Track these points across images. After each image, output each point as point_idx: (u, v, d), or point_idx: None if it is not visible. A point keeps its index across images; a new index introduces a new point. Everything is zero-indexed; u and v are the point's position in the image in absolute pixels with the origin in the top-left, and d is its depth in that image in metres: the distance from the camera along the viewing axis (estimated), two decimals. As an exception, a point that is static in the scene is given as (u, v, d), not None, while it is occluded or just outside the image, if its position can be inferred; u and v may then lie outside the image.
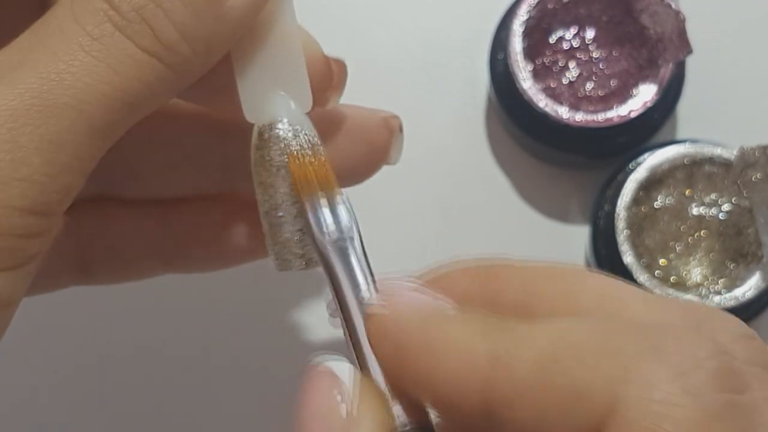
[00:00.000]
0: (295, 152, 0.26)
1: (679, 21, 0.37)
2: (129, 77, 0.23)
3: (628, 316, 0.21)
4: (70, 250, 0.30)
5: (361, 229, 0.25)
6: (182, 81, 0.24)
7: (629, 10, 0.39)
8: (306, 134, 0.26)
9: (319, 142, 0.26)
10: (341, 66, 0.29)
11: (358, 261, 0.25)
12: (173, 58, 0.24)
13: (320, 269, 0.25)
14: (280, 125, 0.26)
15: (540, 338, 0.20)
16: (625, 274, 0.37)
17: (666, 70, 0.38)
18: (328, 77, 0.28)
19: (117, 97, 0.23)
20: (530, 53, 0.39)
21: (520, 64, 0.39)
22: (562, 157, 0.40)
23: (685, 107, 0.41)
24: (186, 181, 0.30)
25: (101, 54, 0.23)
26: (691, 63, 0.40)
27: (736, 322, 0.21)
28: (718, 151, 0.37)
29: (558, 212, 0.42)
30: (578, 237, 0.41)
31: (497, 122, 0.42)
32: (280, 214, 0.26)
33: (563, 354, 0.20)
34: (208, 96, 0.28)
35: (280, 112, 0.26)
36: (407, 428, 0.23)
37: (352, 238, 0.25)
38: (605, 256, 0.38)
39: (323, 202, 0.25)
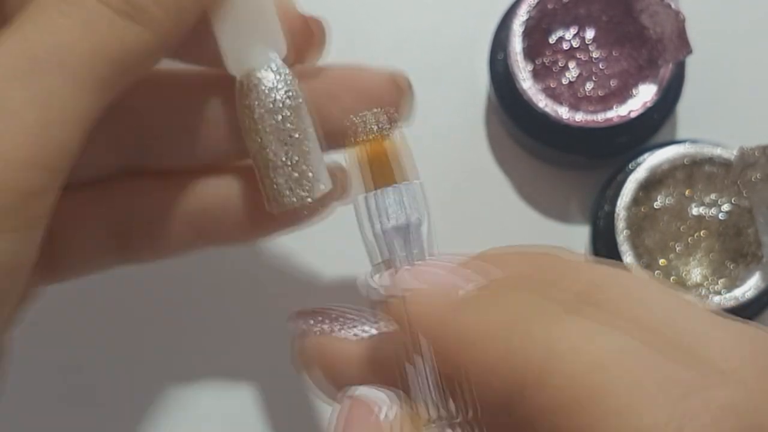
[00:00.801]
0: (360, 138, 0.26)
1: (678, 21, 0.37)
2: (106, 36, 0.25)
3: (691, 338, 0.21)
4: (109, 227, 0.31)
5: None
6: (162, 41, 0.26)
7: (629, 10, 0.39)
8: (285, 80, 0.28)
9: (298, 90, 0.28)
10: (318, 23, 0.30)
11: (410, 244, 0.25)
12: (145, 17, 0.25)
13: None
14: (257, 73, 0.28)
15: (583, 361, 0.20)
16: (625, 274, 0.37)
17: (666, 71, 0.38)
18: (306, 33, 0.29)
19: (97, 54, 0.24)
20: (530, 53, 0.39)
21: (520, 64, 0.39)
22: (562, 157, 0.40)
23: (684, 107, 0.41)
24: (205, 145, 0.31)
25: (77, 16, 0.25)
26: (691, 63, 0.40)
27: None
28: (717, 152, 0.38)
29: (558, 212, 0.42)
30: (578, 237, 0.41)
31: (497, 122, 0.42)
32: (266, 155, 0.28)
33: (594, 367, 0.20)
34: (203, 54, 0.29)
35: (257, 61, 0.28)
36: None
37: (410, 224, 0.26)
38: (605, 256, 0.38)
39: (386, 190, 0.26)
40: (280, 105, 0.28)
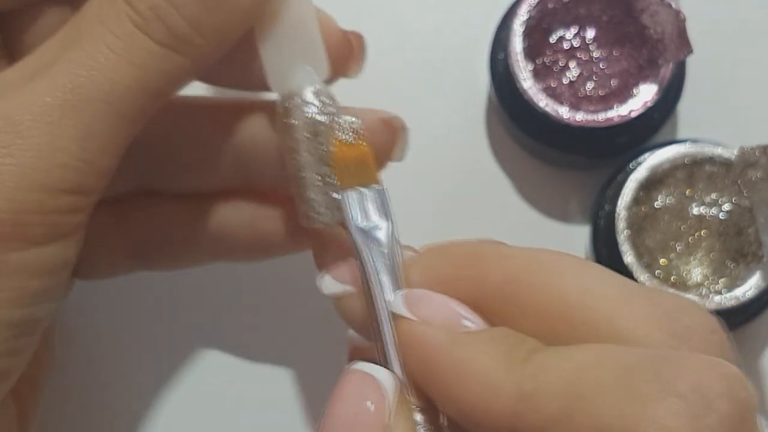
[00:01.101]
0: (341, 138, 0.28)
1: (679, 21, 0.37)
2: (149, 69, 0.26)
3: (604, 316, 0.23)
4: (125, 238, 0.32)
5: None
6: (199, 66, 0.27)
7: (629, 9, 0.39)
8: (325, 101, 0.28)
9: (337, 109, 0.28)
10: (359, 38, 0.31)
11: (383, 255, 0.27)
12: (187, 49, 0.26)
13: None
14: (300, 93, 0.29)
15: (563, 372, 0.22)
16: (626, 273, 0.37)
17: (666, 70, 0.38)
18: (346, 48, 0.30)
19: (140, 88, 0.26)
20: (530, 53, 0.39)
21: (521, 64, 0.39)
22: (562, 157, 0.40)
23: (685, 107, 0.41)
24: (208, 176, 0.32)
25: (124, 51, 0.25)
26: (692, 63, 0.40)
27: (705, 316, 0.23)
28: (718, 151, 0.37)
29: (558, 212, 0.42)
30: (578, 237, 0.41)
31: (497, 122, 0.42)
32: (303, 175, 0.29)
33: (585, 393, 0.21)
34: (233, 74, 0.30)
35: (300, 81, 0.29)
36: None
37: (378, 229, 0.27)
38: (605, 256, 0.38)
39: (358, 191, 0.28)
40: (321, 125, 0.28)
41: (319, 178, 0.28)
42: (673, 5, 0.37)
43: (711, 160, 0.38)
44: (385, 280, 0.26)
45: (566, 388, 0.21)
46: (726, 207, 0.38)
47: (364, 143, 0.28)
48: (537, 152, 0.41)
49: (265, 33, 0.28)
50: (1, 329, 0.25)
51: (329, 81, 0.30)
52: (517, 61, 0.39)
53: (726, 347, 0.23)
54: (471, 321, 0.25)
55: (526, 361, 0.22)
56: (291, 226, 0.32)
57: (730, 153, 0.37)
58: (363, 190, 0.28)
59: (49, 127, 0.24)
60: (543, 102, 0.38)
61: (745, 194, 0.37)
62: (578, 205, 0.41)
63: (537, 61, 0.39)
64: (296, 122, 0.28)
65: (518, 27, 0.39)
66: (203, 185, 0.33)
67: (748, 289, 0.37)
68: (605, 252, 0.38)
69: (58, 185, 0.25)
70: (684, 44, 0.37)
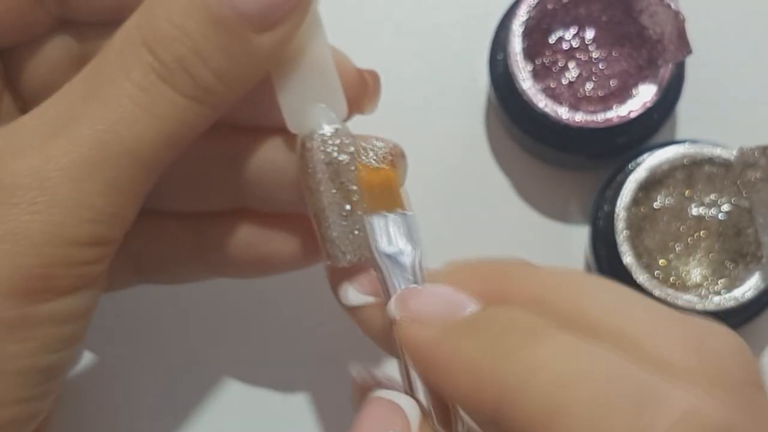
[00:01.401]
0: (366, 163, 0.29)
1: (678, 21, 0.37)
2: (173, 121, 0.26)
3: (632, 334, 0.22)
4: (127, 256, 0.32)
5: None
6: (218, 113, 0.27)
7: (629, 10, 0.39)
8: (344, 139, 0.28)
9: (357, 149, 0.29)
10: (374, 76, 0.31)
11: (407, 281, 0.27)
12: (211, 99, 0.26)
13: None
14: (318, 133, 0.29)
15: (549, 374, 0.21)
16: (625, 274, 0.37)
17: (666, 71, 0.38)
18: (362, 87, 0.30)
19: (164, 140, 0.26)
20: (530, 53, 0.39)
21: (520, 65, 0.39)
22: (561, 157, 0.40)
23: (684, 108, 0.41)
24: (210, 198, 0.32)
25: (148, 104, 0.25)
26: (691, 63, 0.40)
27: (731, 337, 0.23)
28: (717, 152, 0.37)
29: (558, 212, 0.42)
30: (578, 237, 0.41)
31: (497, 122, 0.42)
32: (326, 215, 0.29)
33: (573, 401, 0.21)
34: (248, 113, 0.30)
35: (318, 120, 0.29)
36: None
37: (403, 254, 0.27)
38: (605, 257, 0.38)
39: (383, 216, 0.28)
40: (341, 164, 0.29)
41: (342, 215, 0.29)
42: (673, 6, 0.37)
43: (710, 160, 0.38)
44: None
45: (551, 390, 0.21)
46: (725, 208, 0.38)
47: (389, 167, 0.29)
48: (536, 153, 0.41)
49: (282, 75, 0.28)
50: (30, 376, 0.25)
51: (345, 119, 0.30)
52: (517, 61, 0.39)
53: (752, 368, 0.23)
54: (471, 307, 0.25)
55: (511, 356, 0.22)
56: (292, 246, 0.33)
57: (730, 154, 0.37)
58: (388, 214, 0.28)
59: (75, 183, 0.24)
60: (542, 102, 0.38)
61: (744, 195, 0.37)
62: (577, 205, 0.41)
63: (536, 62, 0.39)
64: (316, 162, 0.28)
65: (518, 27, 0.39)
66: (205, 206, 0.33)
67: (747, 289, 0.37)
68: (604, 252, 0.38)
69: (84, 239, 0.25)
70: (683, 45, 0.37)
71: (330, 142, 0.28)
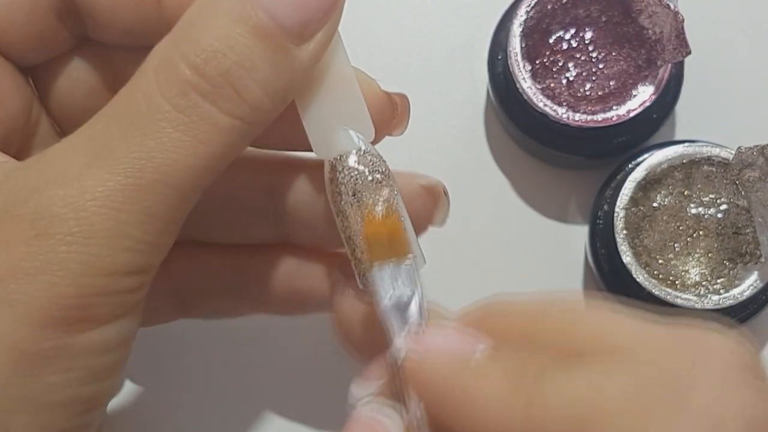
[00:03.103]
0: (371, 215, 0.28)
1: (677, 22, 0.37)
2: (213, 144, 0.25)
3: (623, 349, 0.23)
4: (166, 287, 0.32)
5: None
6: (257, 132, 0.26)
7: (628, 10, 0.39)
8: (372, 162, 0.28)
9: (386, 169, 0.28)
10: (403, 98, 0.30)
11: (405, 321, 0.27)
12: (254, 116, 0.25)
13: None
14: (347, 157, 0.28)
15: (573, 394, 0.22)
16: (624, 273, 0.37)
17: (664, 71, 0.38)
18: (389, 109, 0.30)
19: (202, 166, 0.25)
20: (529, 54, 0.39)
21: (520, 65, 0.39)
22: (561, 157, 0.40)
23: (683, 108, 0.41)
24: (248, 231, 0.32)
25: (187, 128, 0.24)
26: (690, 63, 0.40)
27: (724, 340, 0.23)
28: (716, 151, 0.38)
29: (557, 212, 0.42)
30: (577, 237, 0.41)
31: (497, 122, 0.42)
32: (356, 239, 0.28)
33: (597, 415, 0.21)
34: (275, 139, 0.30)
35: (346, 145, 0.28)
36: None
37: (406, 301, 0.27)
38: (604, 256, 0.38)
39: (388, 266, 0.27)
40: (370, 187, 0.28)
41: None
42: (672, 6, 0.37)
43: (709, 160, 0.38)
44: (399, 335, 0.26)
45: (576, 412, 0.21)
46: (723, 207, 0.38)
47: (395, 217, 0.28)
48: (536, 152, 0.41)
49: (306, 98, 0.28)
50: (71, 407, 0.25)
51: (374, 141, 0.30)
52: (516, 61, 0.39)
53: (750, 366, 0.23)
54: (481, 344, 0.24)
55: (535, 383, 0.22)
56: (331, 284, 0.32)
57: (728, 153, 0.37)
58: (396, 263, 0.27)
59: (112, 213, 0.24)
60: (542, 102, 0.38)
61: (742, 194, 0.37)
62: (577, 205, 0.42)
63: (536, 62, 0.40)
64: (344, 186, 0.28)
65: (517, 28, 0.39)
66: (245, 238, 0.32)
67: (745, 288, 0.37)
68: (604, 252, 0.38)
69: (122, 269, 0.24)
70: (682, 45, 0.37)
71: (358, 166, 0.28)
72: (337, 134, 0.28)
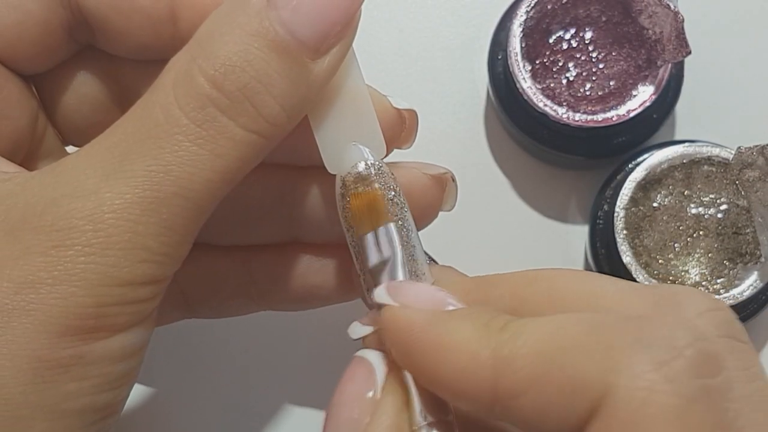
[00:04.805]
0: (352, 190, 0.28)
1: (677, 22, 0.37)
2: (230, 158, 0.25)
3: (606, 308, 0.23)
4: (176, 291, 0.32)
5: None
6: (272, 146, 0.26)
7: (628, 10, 0.39)
8: (384, 180, 0.28)
9: (396, 185, 0.28)
10: (412, 114, 0.31)
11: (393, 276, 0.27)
12: (270, 130, 0.25)
13: None
14: (357, 172, 0.28)
15: (538, 334, 0.22)
16: (624, 273, 0.37)
17: (664, 71, 0.38)
18: (399, 125, 0.30)
19: (219, 179, 0.25)
20: (529, 54, 0.39)
21: (520, 65, 0.39)
22: (561, 157, 0.40)
23: (683, 108, 0.41)
24: (258, 233, 0.32)
25: (205, 141, 0.25)
26: (690, 64, 0.40)
27: (701, 295, 0.23)
28: (716, 151, 0.38)
29: (557, 212, 0.42)
30: (577, 237, 0.41)
31: (497, 122, 0.42)
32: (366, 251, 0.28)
33: (560, 350, 0.22)
34: (288, 153, 0.30)
35: (357, 161, 0.28)
36: (428, 421, 0.25)
37: (390, 258, 0.28)
38: (604, 256, 0.38)
39: (370, 235, 0.28)
40: (381, 203, 0.28)
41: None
42: (672, 6, 0.37)
43: (709, 160, 0.38)
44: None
45: (542, 347, 0.22)
46: (723, 207, 0.38)
47: (373, 186, 0.28)
48: (536, 152, 0.41)
49: (319, 114, 0.28)
50: (88, 415, 0.25)
51: (384, 156, 0.30)
52: (516, 61, 0.39)
53: (729, 326, 0.23)
54: (453, 304, 0.25)
55: (503, 329, 0.23)
56: (340, 277, 0.32)
57: (728, 153, 0.37)
58: (374, 230, 0.28)
59: (130, 225, 0.24)
60: (542, 102, 0.38)
61: (742, 194, 0.37)
62: (577, 205, 0.42)
63: (536, 62, 0.40)
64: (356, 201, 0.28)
65: (517, 28, 0.39)
66: (255, 239, 0.32)
67: (745, 288, 0.37)
68: (604, 252, 0.38)
69: (139, 279, 0.25)
70: (682, 45, 0.37)
71: (368, 181, 0.28)
72: (349, 150, 0.28)
